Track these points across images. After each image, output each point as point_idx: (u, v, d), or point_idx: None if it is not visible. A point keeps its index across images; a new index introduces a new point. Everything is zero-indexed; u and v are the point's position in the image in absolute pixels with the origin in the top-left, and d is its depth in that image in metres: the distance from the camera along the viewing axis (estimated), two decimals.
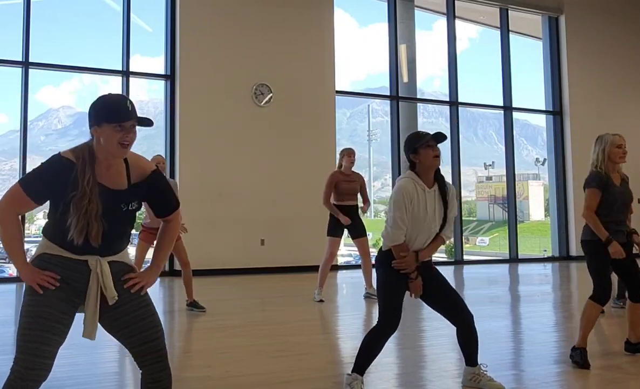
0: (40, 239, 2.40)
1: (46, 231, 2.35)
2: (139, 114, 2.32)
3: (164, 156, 6.61)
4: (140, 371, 2.39)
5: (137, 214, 2.45)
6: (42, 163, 2.30)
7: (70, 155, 2.27)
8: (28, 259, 2.33)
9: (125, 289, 2.36)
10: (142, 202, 2.43)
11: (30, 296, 2.27)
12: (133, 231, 2.60)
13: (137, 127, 2.31)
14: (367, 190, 7.36)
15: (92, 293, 2.30)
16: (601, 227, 4.04)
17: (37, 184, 2.27)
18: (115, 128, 2.23)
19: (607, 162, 4.13)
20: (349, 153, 7.09)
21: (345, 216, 6.91)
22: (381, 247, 3.50)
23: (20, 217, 2.37)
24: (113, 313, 2.34)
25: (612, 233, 4.07)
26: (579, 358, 4.03)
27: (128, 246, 2.51)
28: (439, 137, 3.40)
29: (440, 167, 3.45)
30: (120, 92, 2.39)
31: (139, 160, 2.41)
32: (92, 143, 2.30)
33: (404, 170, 3.56)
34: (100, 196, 2.25)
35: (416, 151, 3.39)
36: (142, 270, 2.55)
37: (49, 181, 2.25)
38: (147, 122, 2.33)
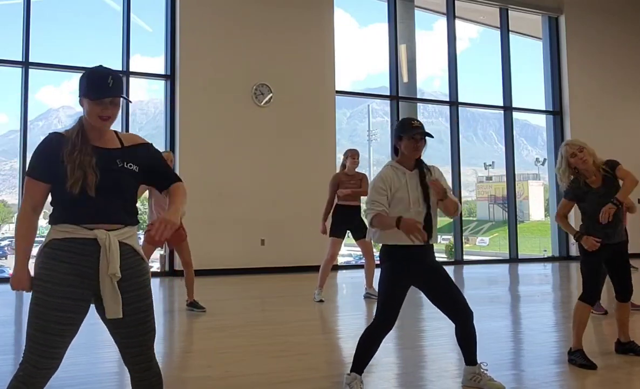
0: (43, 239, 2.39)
1: (52, 218, 2.35)
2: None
3: (171, 153, 6.66)
4: (129, 372, 2.40)
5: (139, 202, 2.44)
6: (36, 147, 2.38)
7: (62, 131, 2.37)
8: (37, 249, 2.34)
9: (131, 287, 2.33)
10: (142, 173, 2.41)
11: (39, 294, 2.25)
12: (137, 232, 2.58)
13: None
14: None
15: (104, 270, 2.26)
16: (569, 226, 4.30)
17: (35, 164, 2.33)
18: (95, 103, 2.31)
19: (575, 171, 4.21)
20: (352, 154, 7.08)
21: (348, 217, 6.92)
22: (384, 243, 3.48)
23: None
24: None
25: (604, 234, 4.10)
26: (581, 359, 4.03)
27: (137, 232, 2.46)
28: (427, 135, 3.47)
29: (432, 164, 3.57)
30: (106, 67, 2.43)
31: (130, 135, 2.52)
32: (83, 116, 2.40)
33: None
34: (94, 153, 2.31)
35: (400, 139, 3.49)
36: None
37: (44, 157, 2.32)
38: (125, 99, 2.41)
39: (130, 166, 2.37)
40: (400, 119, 3.67)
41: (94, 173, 2.27)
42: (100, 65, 2.43)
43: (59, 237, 2.29)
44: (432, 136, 3.48)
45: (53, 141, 2.34)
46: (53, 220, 2.34)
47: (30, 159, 2.38)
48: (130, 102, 2.52)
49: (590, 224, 4.14)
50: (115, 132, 2.46)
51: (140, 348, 2.36)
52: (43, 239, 2.37)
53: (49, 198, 2.37)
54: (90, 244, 2.27)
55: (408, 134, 3.44)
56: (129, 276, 2.33)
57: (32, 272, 2.32)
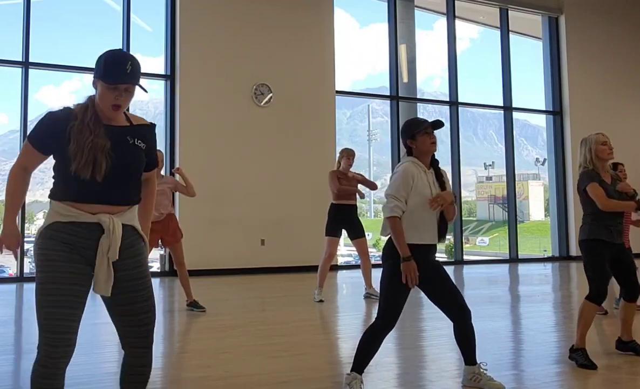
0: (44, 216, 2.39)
1: (55, 193, 2.33)
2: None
3: (162, 152, 6.67)
4: (124, 353, 2.40)
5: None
6: (44, 114, 2.35)
7: (71, 106, 2.34)
8: (39, 226, 2.33)
9: (128, 266, 2.35)
10: (145, 151, 2.41)
11: (42, 272, 2.26)
12: None
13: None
14: (366, 189, 7.37)
15: (104, 251, 2.27)
16: (619, 201, 4.11)
17: (39, 133, 2.31)
18: (109, 88, 2.27)
19: (596, 160, 4.18)
20: (348, 155, 7.08)
21: (344, 216, 6.93)
22: (389, 238, 3.47)
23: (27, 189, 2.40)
24: (115, 274, 2.34)
25: (608, 233, 4.09)
26: (583, 359, 4.03)
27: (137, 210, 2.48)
28: (437, 124, 3.48)
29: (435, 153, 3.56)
30: (126, 51, 2.42)
31: (137, 117, 2.50)
32: (94, 96, 2.35)
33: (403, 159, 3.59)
34: (106, 134, 2.28)
35: (414, 137, 3.48)
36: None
37: (50, 129, 2.29)
38: (142, 88, 2.36)
39: (139, 142, 2.38)
40: (404, 121, 3.65)
41: (106, 159, 2.24)
42: (120, 49, 2.41)
43: (62, 221, 2.28)
44: (442, 124, 3.48)
45: (60, 113, 2.31)
46: (55, 195, 2.32)
47: (35, 124, 2.35)
48: (146, 91, 2.53)
49: (597, 218, 4.10)
50: (127, 115, 2.45)
51: (140, 328, 2.35)
52: (31, 239, 2.36)
53: (52, 172, 2.36)
54: (93, 228, 2.28)
55: (421, 130, 3.46)
56: (130, 254, 2.36)
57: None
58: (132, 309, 2.34)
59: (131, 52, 2.44)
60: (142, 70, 2.39)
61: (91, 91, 2.39)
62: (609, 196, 4.12)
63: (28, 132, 2.36)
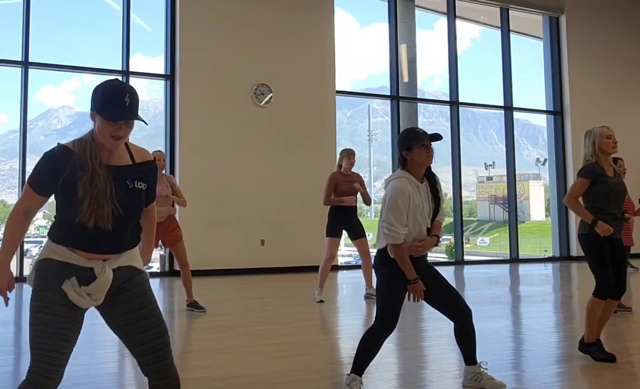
0: (44, 240, 2.39)
1: (53, 233, 2.31)
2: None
3: (163, 153, 6.64)
4: (147, 379, 2.37)
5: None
6: (42, 155, 2.29)
7: (70, 144, 2.26)
8: (38, 225, 2.32)
9: (133, 296, 2.33)
10: (145, 191, 2.36)
11: (38, 302, 2.25)
12: None
13: (137, 123, 2.27)
14: (367, 189, 7.34)
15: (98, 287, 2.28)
16: (584, 211, 4.10)
17: (38, 176, 2.26)
18: (107, 122, 2.20)
19: (599, 153, 4.16)
20: (348, 154, 7.07)
21: (344, 217, 6.92)
22: (381, 248, 3.47)
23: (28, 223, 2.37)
24: (118, 319, 2.33)
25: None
26: (600, 353, 4.02)
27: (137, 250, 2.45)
28: (435, 137, 3.42)
29: (432, 165, 3.50)
30: (124, 82, 2.31)
31: (140, 149, 2.42)
32: (93, 130, 2.27)
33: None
34: (108, 176, 2.22)
35: (410, 149, 3.40)
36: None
37: (48, 171, 2.23)
38: (142, 120, 2.29)
39: (140, 184, 2.32)
40: (402, 131, 3.62)
41: (110, 205, 2.20)
42: (117, 80, 2.33)
43: (56, 259, 2.27)
44: (441, 138, 3.44)
45: (59, 156, 2.23)
46: (54, 237, 2.30)
47: (34, 166, 2.30)
48: (146, 124, 2.46)
49: (597, 211, 4.07)
50: (130, 152, 2.36)
51: (154, 355, 2.32)
52: (30, 239, 2.35)
53: (53, 211, 2.34)
54: (86, 271, 2.27)
55: (418, 142, 3.38)
56: (132, 285, 2.35)
57: (15, 274, 2.29)
58: (145, 336, 2.31)
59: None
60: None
61: (89, 94, 2.29)
62: (610, 190, 4.10)
63: (28, 176, 2.31)
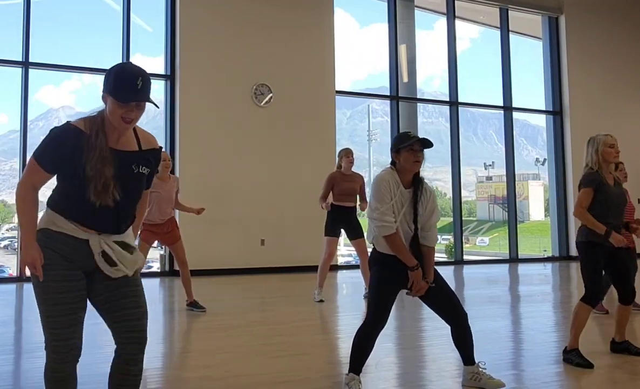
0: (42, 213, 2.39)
1: (53, 202, 2.33)
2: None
3: (168, 154, 6.66)
4: (114, 359, 2.41)
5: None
6: (50, 131, 2.29)
7: (80, 124, 2.28)
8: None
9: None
10: (147, 175, 2.41)
11: (41, 281, 2.28)
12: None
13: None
14: (367, 189, 7.34)
15: (95, 250, 2.32)
16: (595, 222, 4.07)
17: (47, 154, 2.27)
18: (119, 103, 2.22)
19: (602, 162, 4.17)
20: (347, 153, 7.07)
21: (343, 216, 6.91)
22: (374, 248, 3.50)
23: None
24: (106, 294, 2.36)
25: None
26: (578, 358, 4.04)
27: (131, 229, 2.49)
28: (425, 143, 3.37)
29: (431, 166, 3.47)
30: (137, 65, 2.37)
31: (147, 135, 2.46)
32: (104, 111, 2.30)
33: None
34: (113, 159, 2.26)
35: (398, 151, 3.39)
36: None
37: (57, 149, 2.25)
38: (154, 103, 2.33)
39: (144, 169, 2.37)
40: (397, 133, 3.60)
41: (113, 187, 2.24)
42: (130, 63, 2.38)
43: (53, 229, 2.29)
44: (431, 145, 3.37)
45: (70, 134, 2.25)
46: (54, 205, 2.32)
47: (42, 141, 2.30)
48: (158, 107, 2.51)
49: (597, 219, 4.07)
50: (137, 137, 2.40)
51: (135, 333, 2.36)
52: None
53: (54, 179, 2.36)
54: (83, 244, 2.31)
55: (406, 145, 3.34)
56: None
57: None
58: (127, 314, 2.35)
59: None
60: None
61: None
62: (610, 199, 4.12)
63: (34, 151, 2.31)
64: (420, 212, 3.40)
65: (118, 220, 2.33)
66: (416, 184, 3.42)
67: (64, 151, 2.23)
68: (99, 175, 2.21)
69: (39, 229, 2.30)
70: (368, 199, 4.05)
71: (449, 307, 3.50)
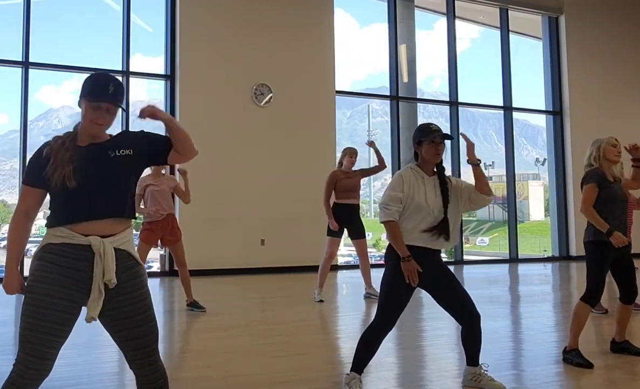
0: (41, 240, 2.41)
1: (48, 220, 2.38)
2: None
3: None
4: (134, 375, 2.41)
5: (136, 203, 2.47)
6: None
7: (53, 138, 2.41)
8: (39, 225, 2.39)
9: (128, 289, 2.34)
10: (138, 155, 2.41)
11: (31, 294, 2.26)
12: (134, 232, 2.58)
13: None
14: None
15: (97, 277, 2.28)
16: (600, 219, 4.07)
17: (29, 172, 2.40)
18: (91, 106, 2.34)
19: (602, 160, 4.18)
20: (351, 153, 7.08)
21: (346, 215, 6.91)
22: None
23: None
24: (113, 312, 2.33)
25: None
26: (578, 358, 4.04)
27: (132, 236, 2.48)
28: (446, 137, 3.56)
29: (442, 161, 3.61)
30: (113, 75, 2.47)
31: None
32: (80, 120, 2.43)
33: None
34: (76, 150, 2.34)
35: (420, 143, 3.54)
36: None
37: (35, 162, 2.37)
38: (123, 109, 2.45)
39: (123, 151, 2.40)
40: (418, 125, 3.70)
41: (69, 165, 2.30)
42: (106, 72, 2.51)
43: (54, 242, 2.30)
44: (452, 137, 3.56)
45: (42, 149, 2.39)
46: (49, 223, 2.37)
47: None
48: (124, 110, 2.62)
49: (602, 218, 4.08)
50: (110, 135, 2.48)
51: (144, 350, 2.36)
52: (41, 239, 2.39)
53: (47, 203, 2.41)
54: (85, 249, 2.29)
55: (428, 138, 3.49)
56: (126, 279, 2.35)
57: (25, 274, 2.34)
58: (137, 332, 2.34)
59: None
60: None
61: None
62: (614, 196, 4.12)
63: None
64: (451, 198, 3.53)
65: (104, 201, 2.33)
66: (439, 171, 3.58)
67: (39, 162, 2.36)
68: (59, 161, 2.31)
69: (40, 247, 2.34)
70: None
71: (461, 306, 3.47)
